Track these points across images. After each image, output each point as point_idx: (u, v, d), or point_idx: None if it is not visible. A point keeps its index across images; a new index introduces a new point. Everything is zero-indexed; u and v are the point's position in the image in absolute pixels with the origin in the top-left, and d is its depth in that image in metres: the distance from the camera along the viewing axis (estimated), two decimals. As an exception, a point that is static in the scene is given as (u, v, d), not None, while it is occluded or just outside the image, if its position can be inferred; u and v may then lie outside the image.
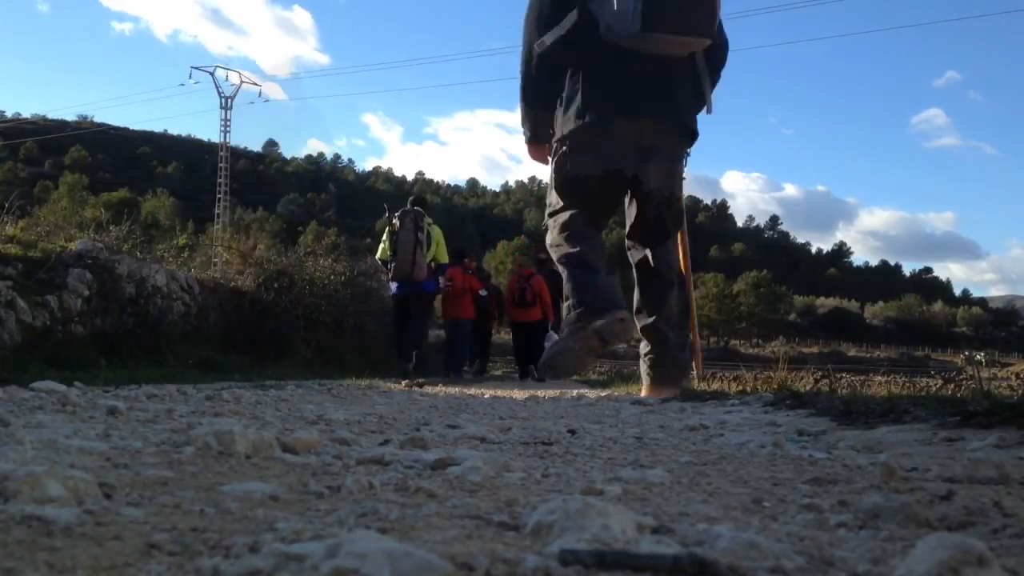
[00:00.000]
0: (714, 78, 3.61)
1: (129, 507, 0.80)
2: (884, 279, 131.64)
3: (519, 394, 4.26)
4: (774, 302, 76.68)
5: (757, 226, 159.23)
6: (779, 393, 2.94)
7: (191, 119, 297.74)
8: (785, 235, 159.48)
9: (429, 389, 4.88)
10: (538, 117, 3.62)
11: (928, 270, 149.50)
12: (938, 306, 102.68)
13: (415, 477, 1.09)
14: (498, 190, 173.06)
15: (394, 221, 7.84)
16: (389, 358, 10.20)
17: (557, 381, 7.50)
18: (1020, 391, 4.59)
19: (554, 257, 3.66)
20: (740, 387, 4.28)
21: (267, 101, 57.97)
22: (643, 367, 3.74)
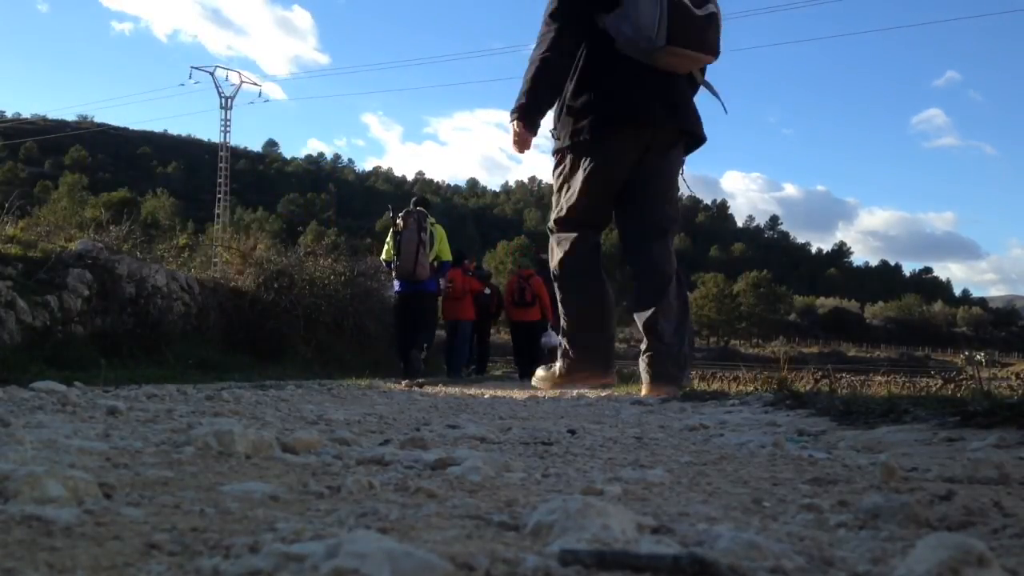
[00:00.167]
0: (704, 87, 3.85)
1: (129, 507, 0.80)
2: (884, 279, 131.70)
3: (519, 394, 4.25)
4: (774, 302, 76.73)
5: (757, 226, 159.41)
6: (779, 393, 2.94)
7: (191, 119, 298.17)
8: (785, 235, 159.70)
9: (429, 389, 4.88)
10: (541, 98, 3.64)
11: (928, 270, 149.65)
12: (938, 306, 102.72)
13: (415, 477, 1.09)
14: (498, 190, 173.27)
15: (397, 221, 7.90)
16: (390, 358, 10.21)
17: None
18: (1020, 391, 4.59)
19: (559, 284, 3.86)
20: (740, 387, 4.29)
21: (267, 101, 58.01)
22: (642, 365, 3.73)
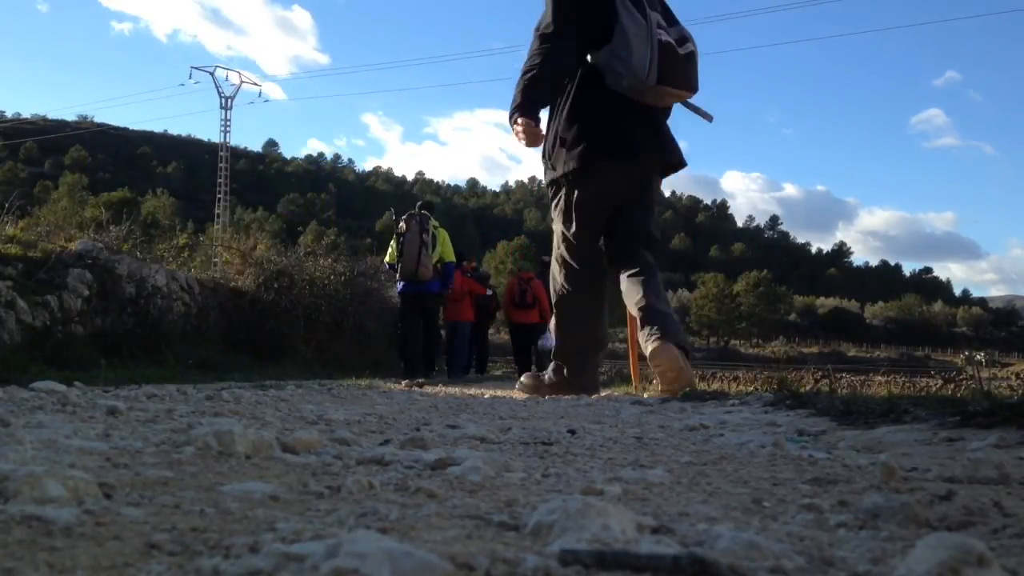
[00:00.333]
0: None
1: (129, 507, 0.80)
2: (884, 279, 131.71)
3: (519, 394, 4.25)
4: (774, 302, 76.71)
5: (757, 226, 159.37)
6: (779, 393, 2.94)
7: (191, 119, 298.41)
8: (785, 235, 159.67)
9: (429, 389, 4.88)
10: (536, 96, 3.79)
11: (928, 270, 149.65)
12: (938, 306, 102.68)
13: (415, 477, 1.09)
14: (498, 190, 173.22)
15: (400, 224, 7.94)
16: (390, 358, 10.22)
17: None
18: (1020, 391, 4.59)
19: (559, 310, 4.08)
20: (740, 387, 4.29)
21: (267, 101, 58.00)
22: (649, 348, 3.64)
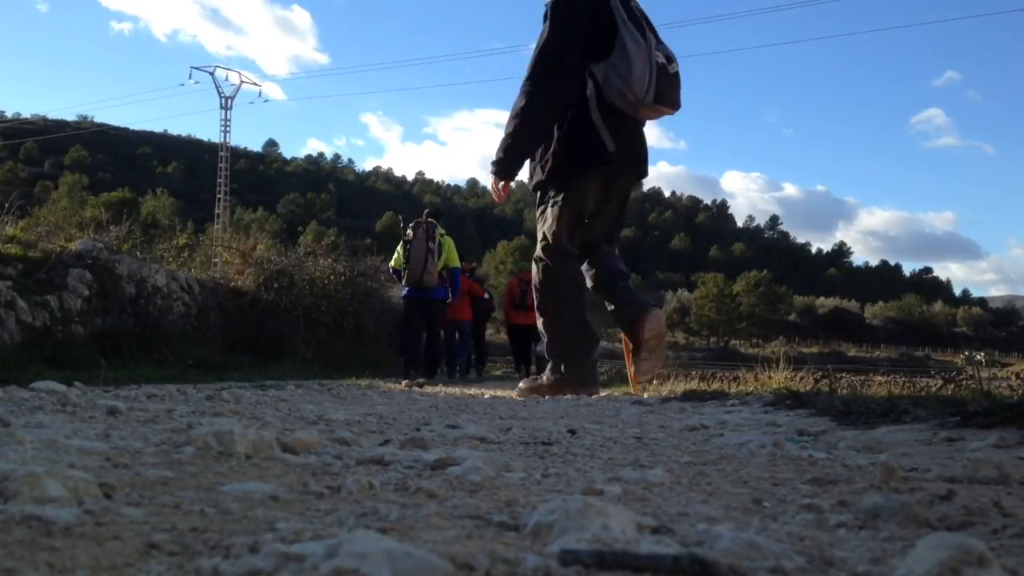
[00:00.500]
0: None
1: (129, 507, 0.80)
2: (884, 279, 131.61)
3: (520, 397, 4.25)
4: (774, 302, 76.64)
5: (757, 226, 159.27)
6: (779, 393, 2.94)
7: (191, 119, 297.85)
8: (785, 235, 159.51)
9: (429, 389, 4.88)
10: (520, 153, 4.05)
11: (928, 270, 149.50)
12: (938, 306, 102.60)
13: (415, 477, 1.09)
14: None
15: (408, 232, 8.00)
16: (390, 358, 10.23)
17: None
18: (1020, 391, 4.59)
19: (544, 309, 4.21)
20: (740, 387, 4.31)
21: (267, 101, 58.03)
22: (632, 327, 3.93)
